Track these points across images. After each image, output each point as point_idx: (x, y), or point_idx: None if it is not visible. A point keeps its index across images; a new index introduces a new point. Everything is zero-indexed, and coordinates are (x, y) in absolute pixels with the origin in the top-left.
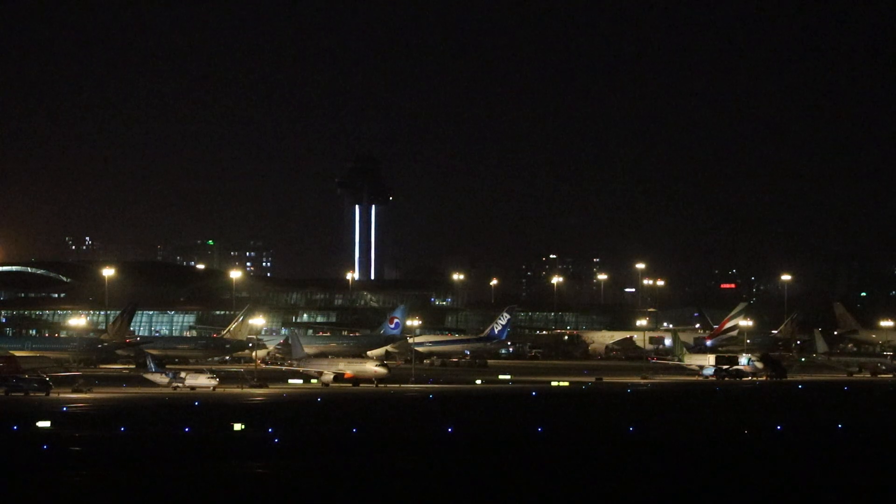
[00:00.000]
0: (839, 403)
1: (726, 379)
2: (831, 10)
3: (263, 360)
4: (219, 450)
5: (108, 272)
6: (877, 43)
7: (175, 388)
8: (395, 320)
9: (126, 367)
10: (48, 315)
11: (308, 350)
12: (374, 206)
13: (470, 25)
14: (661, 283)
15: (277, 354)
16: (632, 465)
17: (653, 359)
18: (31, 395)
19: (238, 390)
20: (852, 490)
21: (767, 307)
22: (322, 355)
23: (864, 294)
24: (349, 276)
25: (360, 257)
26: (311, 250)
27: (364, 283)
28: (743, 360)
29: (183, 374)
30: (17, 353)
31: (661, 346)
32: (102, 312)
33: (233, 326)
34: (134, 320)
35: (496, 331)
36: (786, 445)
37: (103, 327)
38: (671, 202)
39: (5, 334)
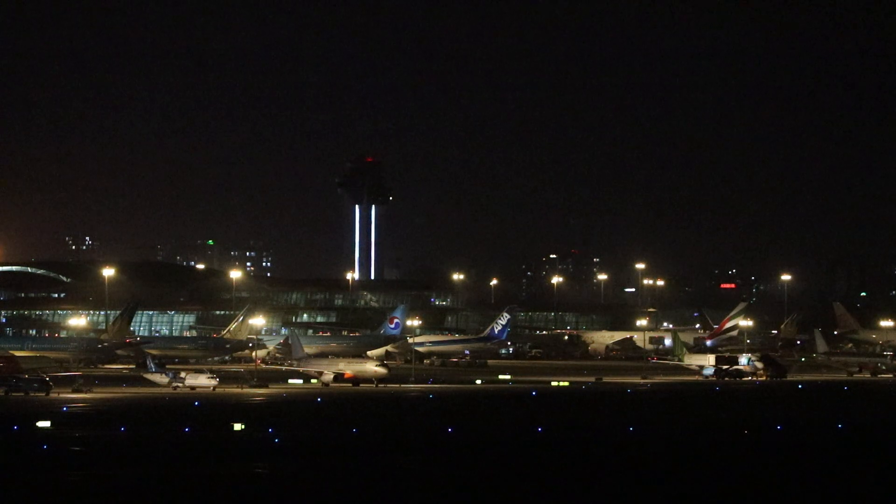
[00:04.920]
0: (839, 403)
1: (726, 379)
2: (832, 11)
3: (263, 360)
4: (219, 450)
5: (108, 272)
6: (876, 43)
7: (175, 388)
8: (395, 320)
9: (126, 367)
10: (48, 315)
11: (308, 350)
12: (374, 206)
13: (470, 25)
14: (661, 283)
15: (277, 354)
16: (632, 466)
17: (653, 359)
18: (31, 395)
19: (238, 390)
20: (852, 490)
21: (767, 307)
22: (322, 355)
23: (864, 294)
24: (349, 276)
25: (360, 257)
26: (311, 250)
27: (364, 283)
28: (743, 360)
29: (183, 374)
30: (17, 353)
31: (661, 346)
32: (102, 312)
33: (233, 326)
34: (134, 320)
35: (496, 331)
36: (786, 445)
37: (103, 327)
38: (671, 202)
39: (5, 334)
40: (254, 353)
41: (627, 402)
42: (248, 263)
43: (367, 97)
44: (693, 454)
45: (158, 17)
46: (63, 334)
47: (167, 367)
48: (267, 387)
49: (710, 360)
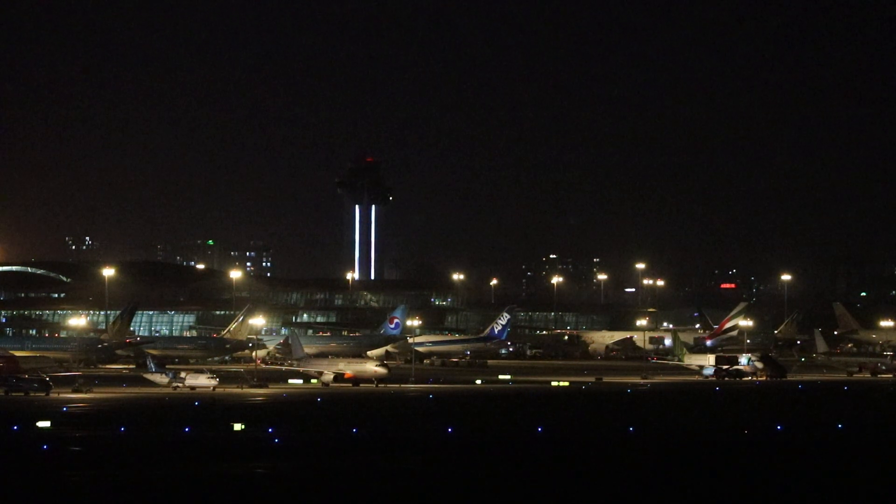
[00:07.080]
0: (839, 403)
1: (726, 379)
2: (831, 11)
3: (263, 360)
4: (219, 450)
5: (108, 272)
6: (876, 44)
7: (175, 388)
8: (395, 320)
9: (126, 367)
10: (48, 315)
11: (308, 350)
12: (374, 206)
13: (470, 26)
14: (661, 283)
15: (277, 354)
16: (632, 466)
17: (653, 359)
18: (31, 395)
19: (238, 390)
20: (852, 490)
21: (767, 307)
22: (322, 355)
23: (864, 294)
24: (349, 276)
25: (360, 257)
26: (311, 250)
27: (364, 283)
28: (743, 360)
29: (183, 374)
30: (17, 353)
31: (661, 346)
32: (102, 312)
33: (233, 326)
34: (134, 320)
35: (496, 331)
36: (786, 445)
37: (103, 327)
38: (671, 202)
39: (5, 334)
40: (254, 353)
41: (627, 402)
42: (248, 263)
43: (367, 97)
44: (693, 454)
45: (159, 17)
46: (63, 334)
47: (167, 367)
48: (267, 387)
49: (710, 360)
